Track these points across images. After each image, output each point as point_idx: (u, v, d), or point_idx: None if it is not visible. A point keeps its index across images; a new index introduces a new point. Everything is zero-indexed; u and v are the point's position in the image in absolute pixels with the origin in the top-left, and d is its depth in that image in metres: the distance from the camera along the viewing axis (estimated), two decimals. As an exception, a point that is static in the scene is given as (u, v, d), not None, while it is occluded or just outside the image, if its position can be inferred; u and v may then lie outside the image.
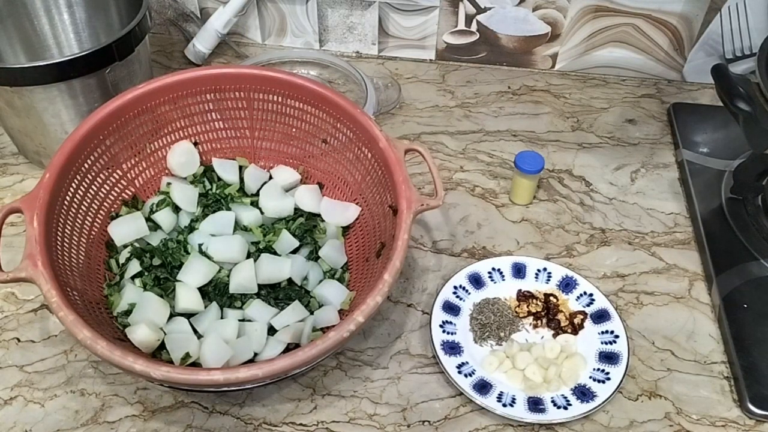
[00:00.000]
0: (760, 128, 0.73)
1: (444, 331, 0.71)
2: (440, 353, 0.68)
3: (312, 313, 0.70)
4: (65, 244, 0.68)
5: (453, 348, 0.70)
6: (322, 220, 0.79)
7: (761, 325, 0.72)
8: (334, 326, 0.60)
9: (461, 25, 1.02)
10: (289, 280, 0.72)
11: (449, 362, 0.68)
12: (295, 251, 0.75)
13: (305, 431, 0.66)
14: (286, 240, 0.74)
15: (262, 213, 0.77)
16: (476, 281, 0.76)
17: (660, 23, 0.97)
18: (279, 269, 0.71)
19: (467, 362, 0.69)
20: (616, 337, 0.70)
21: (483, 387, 0.67)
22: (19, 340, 0.72)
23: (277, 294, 0.72)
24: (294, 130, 0.81)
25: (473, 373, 0.68)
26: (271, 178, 0.82)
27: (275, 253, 0.74)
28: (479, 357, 0.70)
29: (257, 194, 0.79)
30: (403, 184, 0.68)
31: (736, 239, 0.80)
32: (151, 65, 0.92)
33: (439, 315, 0.72)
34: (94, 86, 0.80)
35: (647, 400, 0.68)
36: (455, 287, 0.75)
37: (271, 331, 0.69)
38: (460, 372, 0.68)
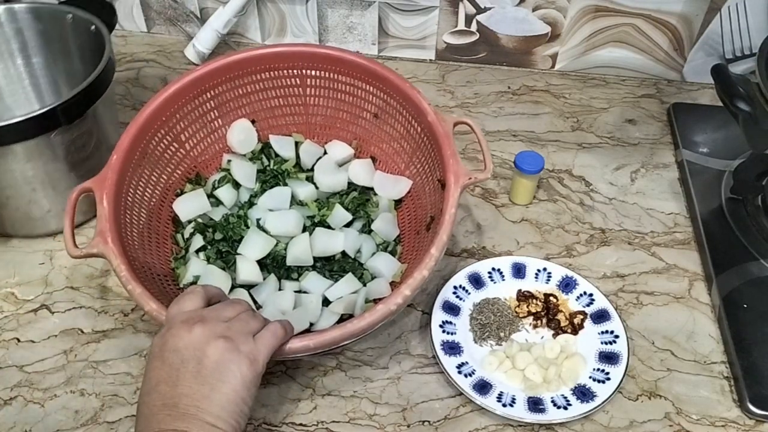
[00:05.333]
0: (760, 128, 0.73)
1: (444, 331, 0.71)
2: (440, 353, 0.68)
3: (365, 285, 0.72)
4: (133, 220, 0.72)
5: (453, 348, 0.70)
6: (375, 194, 0.81)
7: (761, 325, 0.72)
8: (385, 298, 0.62)
9: (461, 25, 1.02)
10: (343, 253, 0.75)
11: (449, 362, 0.68)
12: (348, 225, 0.77)
13: (305, 431, 0.66)
14: (339, 214, 0.76)
15: (317, 188, 0.80)
16: (476, 281, 0.76)
17: (660, 23, 0.97)
18: (333, 242, 0.74)
19: (467, 362, 0.69)
20: (616, 337, 0.70)
21: (483, 387, 0.67)
22: (19, 340, 0.72)
23: (332, 266, 0.74)
24: (346, 105, 0.84)
25: (473, 373, 0.68)
26: (325, 153, 0.84)
27: (329, 227, 0.76)
28: (479, 357, 0.70)
29: (312, 169, 0.82)
30: (451, 158, 0.69)
31: (736, 239, 0.80)
32: (116, 114, 0.87)
33: (439, 315, 0.72)
34: (43, 147, 0.73)
35: (647, 400, 0.68)
36: (455, 287, 0.75)
37: (326, 302, 0.71)
38: (460, 372, 0.68)
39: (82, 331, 0.73)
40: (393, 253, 0.77)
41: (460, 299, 0.74)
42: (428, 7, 1.00)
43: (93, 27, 0.80)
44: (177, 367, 0.53)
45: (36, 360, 0.71)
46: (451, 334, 0.71)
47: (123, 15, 1.09)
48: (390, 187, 0.81)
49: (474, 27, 1.02)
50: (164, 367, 0.54)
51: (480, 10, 0.99)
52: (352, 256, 0.75)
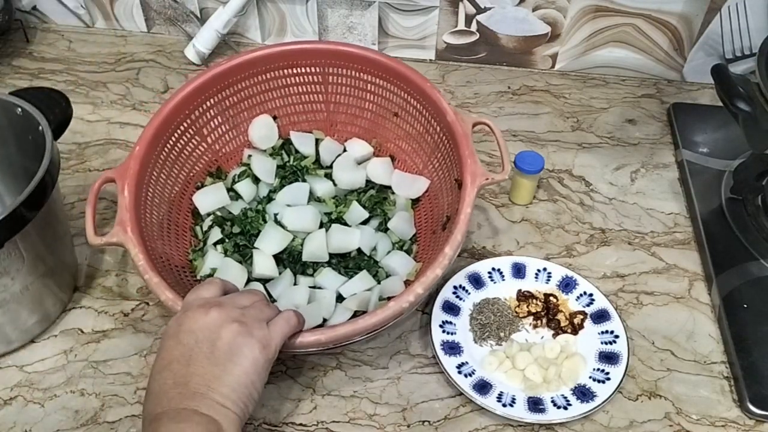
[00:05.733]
0: (760, 128, 0.73)
1: (444, 331, 0.71)
2: (440, 353, 0.68)
3: (379, 282, 0.73)
4: (153, 211, 0.73)
5: (453, 348, 0.70)
6: (393, 193, 0.81)
7: (761, 325, 0.72)
8: (397, 296, 0.63)
9: (461, 25, 1.02)
10: (359, 250, 0.75)
11: (449, 362, 0.68)
12: (365, 222, 0.78)
13: (305, 431, 0.66)
14: (356, 211, 0.77)
15: (335, 185, 0.80)
16: (476, 281, 0.76)
17: (660, 23, 0.97)
18: (349, 239, 0.74)
19: (467, 362, 0.69)
20: (616, 337, 0.70)
21: (483, 387, 0.67)
22: (19, 340, 0.72)
23: (347, 263, 0.75)
24: (367, 103, 0.84)
25: (473, 373, 0.68)
26: (345, 150, 0.84)
27: (346, 224, 0.77)
28: (479, 357, 0.70)
29: (331, 166, 0.82)
30: (468, 158, 0.69)
31: (736, 239, 0.80)
32: (61, 235, 0.72)
33: (439, 315, 0.72)
34: None
35: (647, 400, 0.68)
36: (455, 287, 0.75)
37: (340, 298, 0.71)
38: (460, 372, 0.68)
39: (82, 331, 0.73)
40: (408, 252, 0.77)
41: (460, 299, 0.74)
42: (428, 7, 1.00)
43: (40, 127, 0.68)
44: (191, 347, 0.55)
45: (36, 360, 0.71)
46: (451, 334, 0.71)
47: (123, 15, 1.09)
48: (408, 186, 0.81)
49: (474, 27, 1.02)
50: (178, 346, 0.55)
51: (480, 10, 0.99)
52: (368, 254, 0.75)
